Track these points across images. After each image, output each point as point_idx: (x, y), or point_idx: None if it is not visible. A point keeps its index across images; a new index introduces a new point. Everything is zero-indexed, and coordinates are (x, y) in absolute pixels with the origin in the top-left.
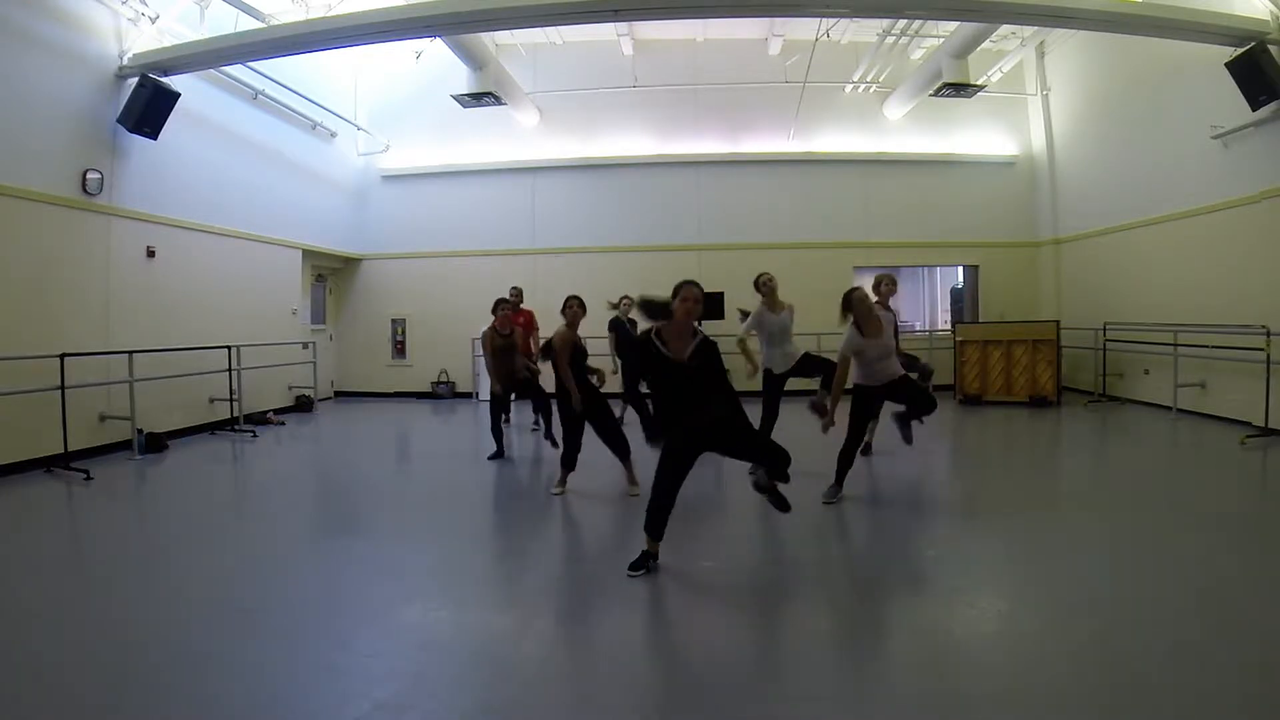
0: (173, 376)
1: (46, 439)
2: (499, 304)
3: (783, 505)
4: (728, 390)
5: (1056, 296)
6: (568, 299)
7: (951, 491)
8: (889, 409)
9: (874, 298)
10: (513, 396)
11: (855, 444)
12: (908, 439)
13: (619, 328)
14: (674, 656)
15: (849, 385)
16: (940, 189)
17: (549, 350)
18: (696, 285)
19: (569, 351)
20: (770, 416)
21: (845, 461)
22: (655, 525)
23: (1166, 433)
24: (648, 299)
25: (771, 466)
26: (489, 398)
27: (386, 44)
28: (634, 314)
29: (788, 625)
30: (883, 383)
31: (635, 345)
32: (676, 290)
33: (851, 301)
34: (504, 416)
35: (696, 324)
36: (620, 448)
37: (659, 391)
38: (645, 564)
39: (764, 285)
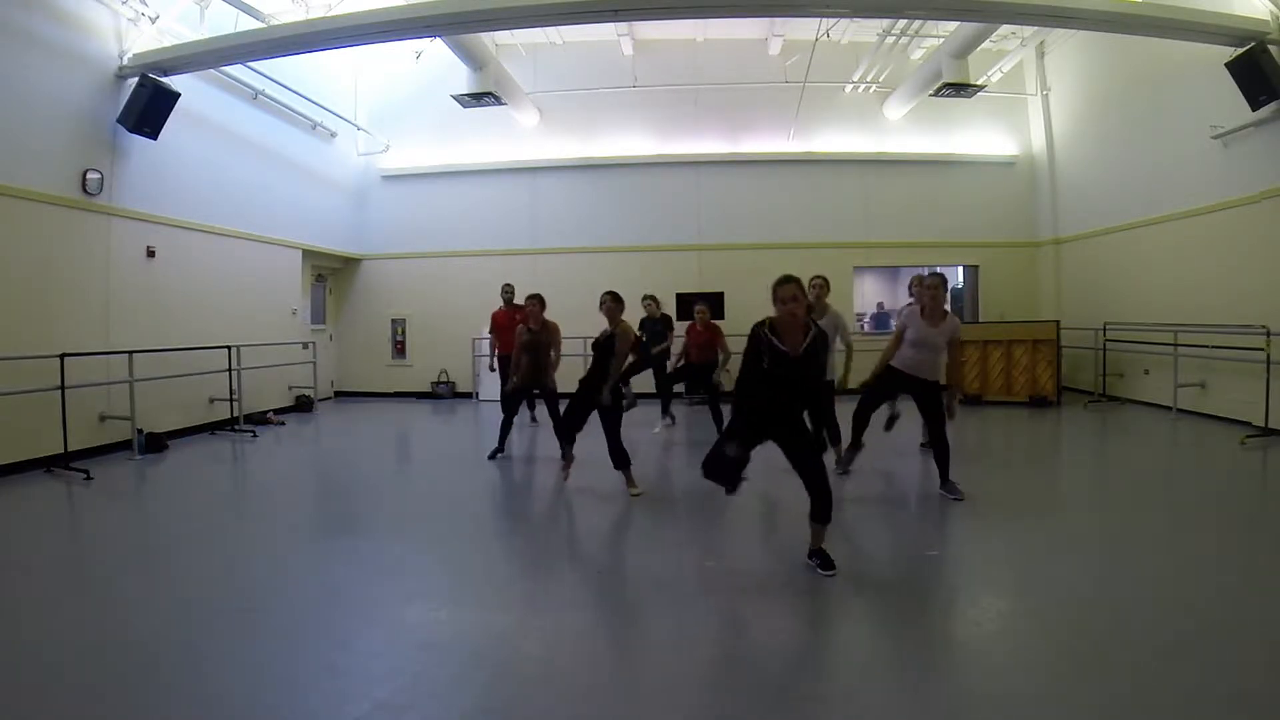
0: (173, 376)
1: (46, 439)
2: (532, 296)
3: (827, 565)
4: (819, 391)
5: (1056, 296)
6: (601, 295)
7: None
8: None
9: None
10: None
11: (867, 407)
12: (950, 491)
13: (645, 326)
14: (673, 655)
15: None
16: (940, 189)
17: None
18: (791, 283)
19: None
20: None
21: (859, 422)
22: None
23: (1166, 433)
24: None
25: (814, 500)
26: (503, 396)
27: (386, 44)
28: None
29: (788, 625)
30: (914, 374)
31: (752, 342)
32: (775, 290)
33: (922, 286)
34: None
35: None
36: (618, 457)
37: (756, 386)
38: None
39: (811, 290)
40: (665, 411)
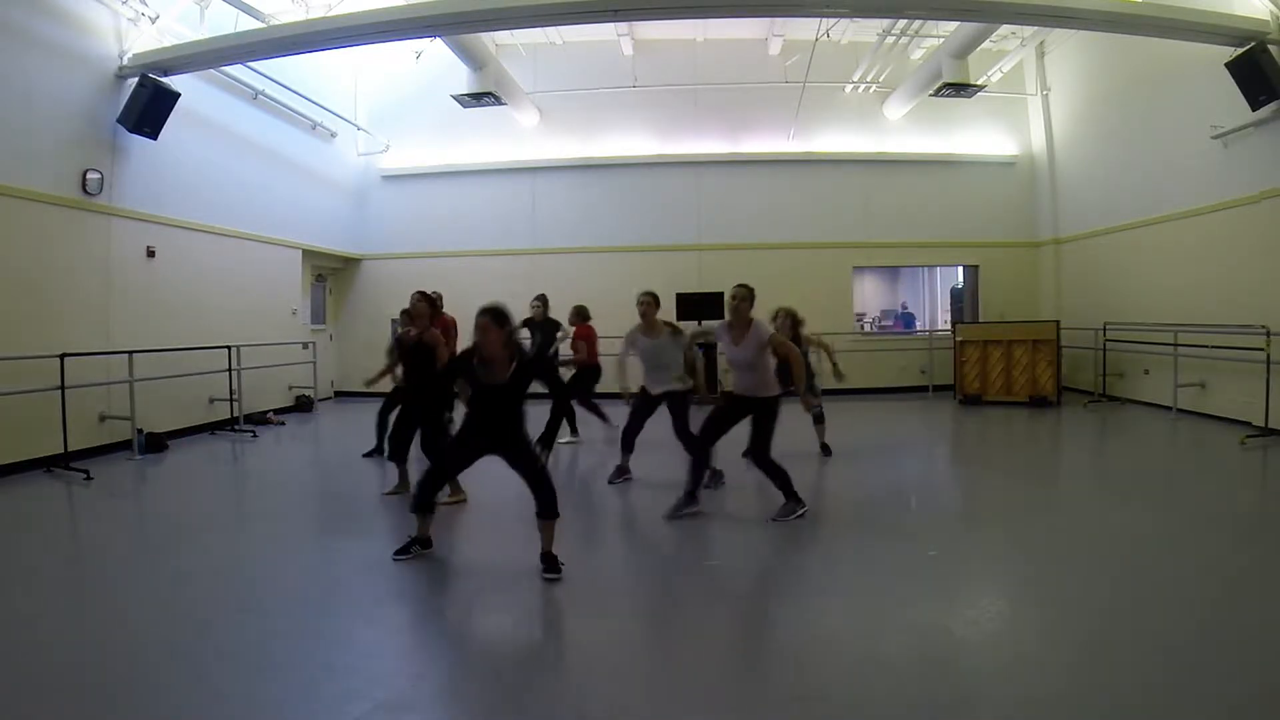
0: (173, 376)
1: (46, 439)
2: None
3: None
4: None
5: (1056, 296)
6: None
7: (952, 491)
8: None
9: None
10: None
11: (708, 438)
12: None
13: (532, 328)
14: (673, 654)
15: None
16: (940, 189)
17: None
18: (485, 313)
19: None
20: (631, 425)
21: (700, 462)
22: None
23: (1166, 433)
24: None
25: (539, 498)
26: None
27: (386, 44)
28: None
29: (788, 624)
30: (744, 395)
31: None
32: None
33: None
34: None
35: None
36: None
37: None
38: (410, 548)
39: (639, 304)
40: (573, 427)
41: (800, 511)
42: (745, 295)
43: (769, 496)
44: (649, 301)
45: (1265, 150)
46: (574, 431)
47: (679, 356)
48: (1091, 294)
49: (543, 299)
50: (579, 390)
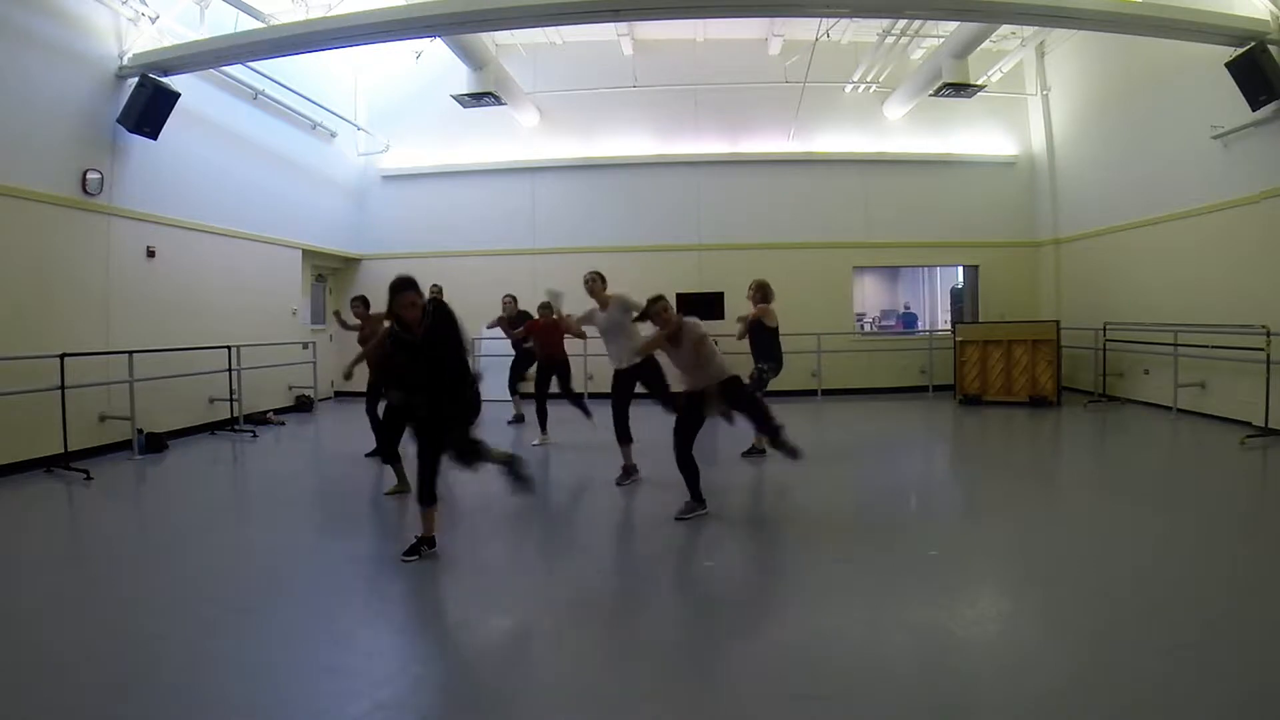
0: (173, 376)
1: (46, 439)
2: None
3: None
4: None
5: (1056, 296)
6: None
7: (952, 492)
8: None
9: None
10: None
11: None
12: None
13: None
14: (673, 653)
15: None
16: (940, 189)
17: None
18: (410, 288)
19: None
20: (616, 414)
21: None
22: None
23: (1166, 433)
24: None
25: (460, 455)
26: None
27: (386, 44)
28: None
29: (787, 623)
30: (694, 388)
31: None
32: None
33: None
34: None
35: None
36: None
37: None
38: (418, 549)
39: (586, 284)
40: (542, 425)
41: (702, 511)
42: (666, 304)
43: (769, 498)
44: (594, 279)
45: (1265, 150)
46: (543, 430)
47: (631, 326)
48: (1091, 294)
49: (513, 298)
50: (539, 383)
